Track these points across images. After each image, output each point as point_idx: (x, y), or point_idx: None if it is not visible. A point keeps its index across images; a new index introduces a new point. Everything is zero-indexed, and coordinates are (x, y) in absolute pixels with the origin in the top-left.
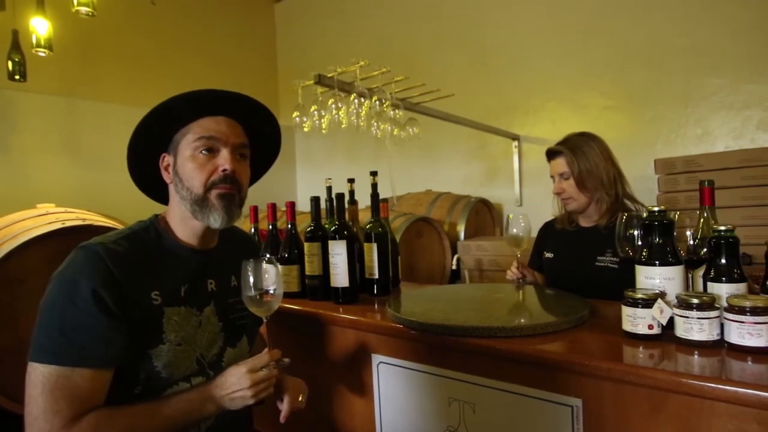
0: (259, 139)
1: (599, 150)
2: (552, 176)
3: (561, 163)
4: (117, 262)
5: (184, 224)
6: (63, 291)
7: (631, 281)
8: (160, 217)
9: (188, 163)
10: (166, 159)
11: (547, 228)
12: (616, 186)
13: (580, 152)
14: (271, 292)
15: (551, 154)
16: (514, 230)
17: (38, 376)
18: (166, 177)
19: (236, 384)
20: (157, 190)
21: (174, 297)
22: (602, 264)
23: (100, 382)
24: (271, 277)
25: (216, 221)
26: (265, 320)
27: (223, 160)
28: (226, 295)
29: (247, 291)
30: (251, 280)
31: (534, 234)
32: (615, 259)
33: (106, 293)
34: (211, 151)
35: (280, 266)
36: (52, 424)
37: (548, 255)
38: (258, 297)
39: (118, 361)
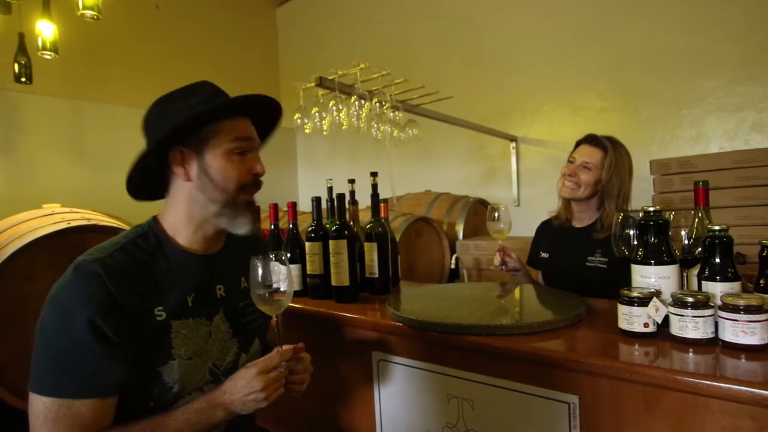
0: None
1: (628, 167)
2: (572, 158)
3: (596, 155)
4: (115, 280)
5: (194, 228)
6: (57, 319)
7: (619, 281)
8: (158, 222)
9: (223, 163)
10: (183, 155)
11: (544, 227)
12: (626, 203)
13: (620, 161)
14: (282, 289)
15: (593, 141)
16: (501, 225)
17: (39, 407)
18: (183, 175)
19: (247, 387)
20: (143, 186)
21: (180, 309)
22: (592, 264)
23: (103, 408)
24: (280, 273)
25: (243, 227)
26: (275, 318)
27: (256, 162)
28: (236, 299)
29: (256, 288)
30: (260, 277)
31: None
32: (604, 259)
33: (103, 321)
34: (243, 154)
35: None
36: None
37: (544, 255)
38: (267, 295)
39: (118, 386)
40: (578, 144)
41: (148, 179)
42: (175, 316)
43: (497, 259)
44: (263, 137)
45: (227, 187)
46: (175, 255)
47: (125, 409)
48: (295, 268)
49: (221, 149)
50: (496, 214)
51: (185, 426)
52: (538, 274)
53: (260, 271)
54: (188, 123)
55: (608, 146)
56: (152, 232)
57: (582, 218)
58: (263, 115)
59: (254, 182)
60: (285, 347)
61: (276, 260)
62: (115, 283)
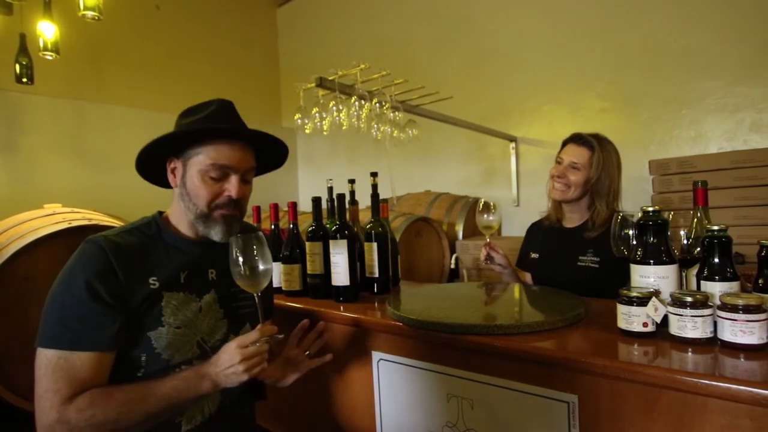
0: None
1: (617, 163)
2: (559, 159)
3: (583, 154)
4: (117, 252)
5: (184, 218)
6: (62, 282)
7: (611, 281)
8: (163, 215)
9: (196, 181)
10: (174, 163)
11: (534, 228)
12: (616, 200)
13: (608, 158)
14: (260, 267)
15: (579, 140)
16: (491, 219)
17: (42, 359)
18: (172, 180)
19: (228, 360)
20: (157, 176)
21: (173, 282)
22: (583, 264)
23: (99, 365)
24: (258, 252)
25: (217, 235)
26: (256, 297)
27: (231, 186)
28: (228, 284)
29: (234, 266)
30: (239, 256)
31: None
32: (596, 258)
33: (99, 284)
34: (220, 177)
35: (281, 264)
36: (52, 402)
37: (534, 255)
38: (246, 272)
39: (113, 344)
40: (564, 144)
41: (156, 169)
42: (167, 288)
43: (483, 254)
44: (268, 162)
45: (198, 203)
46: (173, 241)
47: (116, 377)
48: (295, 268)
49: (198, 169)
50: (486, 213)
51: (173, 391)
52: (526, 276)
53: (238, 251)
54: (167, 141)
55: (594, 144)
56: (155, 222)
57: (573, 218)
58: (270, 144)
59: (228, 203)
60: (266, 326)
61: (255, 238)
62: (115, 256)
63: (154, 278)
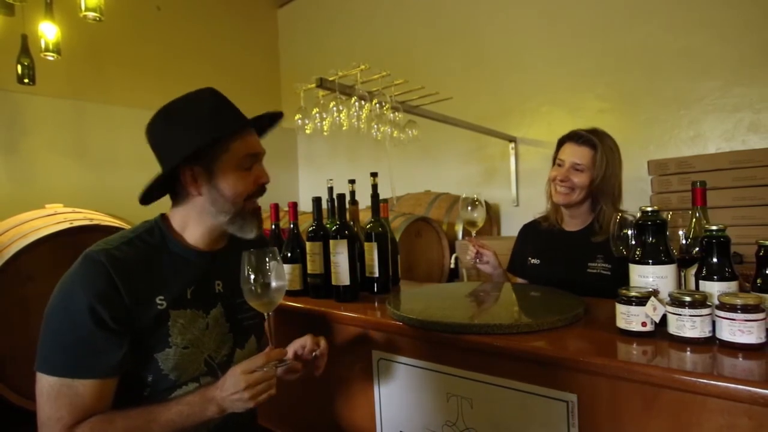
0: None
1: (619, 159)
2: (560, 161)
3: (586, 155)
4: (120, 270)
5: (202, 230)
6: (62, 303)
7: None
8: (165, 219)
9: (232, 177)
10: (191, 170)
11: (529, 230)
12: (620, 199)
13: (611, 155)
14: (273, 285)
15: (579, 139)
16: (475, 215)
17: (43, 385)
18: (193, 188)
19: (233, 386)
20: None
21: (180, 300)
22: (594, 270)
23: (102, 390)
24: (272, 269)
25: (252, 231)
26: (266, 317)
27: (261, 172)
28: (233, 296)
29: (246, 284)
30: (251, 272)
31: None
32: (607, 265)
33: (102, 308)
34: (250, 165)
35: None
36: (54, 430)
37: (534, 261)
38: (259, 290)
39: (116, 370)
40: (561, 142)
41: (156, 188)
42: (174, 306)
43: (471, 252)
44: (262, 130)
45: (237, 200)
46: (178, 250)
47: (121, 396)
48: (295, 268)
49: (230, 166)
50: (470, 208)
51: (177, 417)
52: (517, 281)
53: (251, 267)
54: (201, 148)
55: (596, 142)
56: (158, 229)
57: (574, 222)
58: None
59: (260, 190)
60: (274, 350)
61: (269, 255)
62: (119, 273)
63: (161, 297)
